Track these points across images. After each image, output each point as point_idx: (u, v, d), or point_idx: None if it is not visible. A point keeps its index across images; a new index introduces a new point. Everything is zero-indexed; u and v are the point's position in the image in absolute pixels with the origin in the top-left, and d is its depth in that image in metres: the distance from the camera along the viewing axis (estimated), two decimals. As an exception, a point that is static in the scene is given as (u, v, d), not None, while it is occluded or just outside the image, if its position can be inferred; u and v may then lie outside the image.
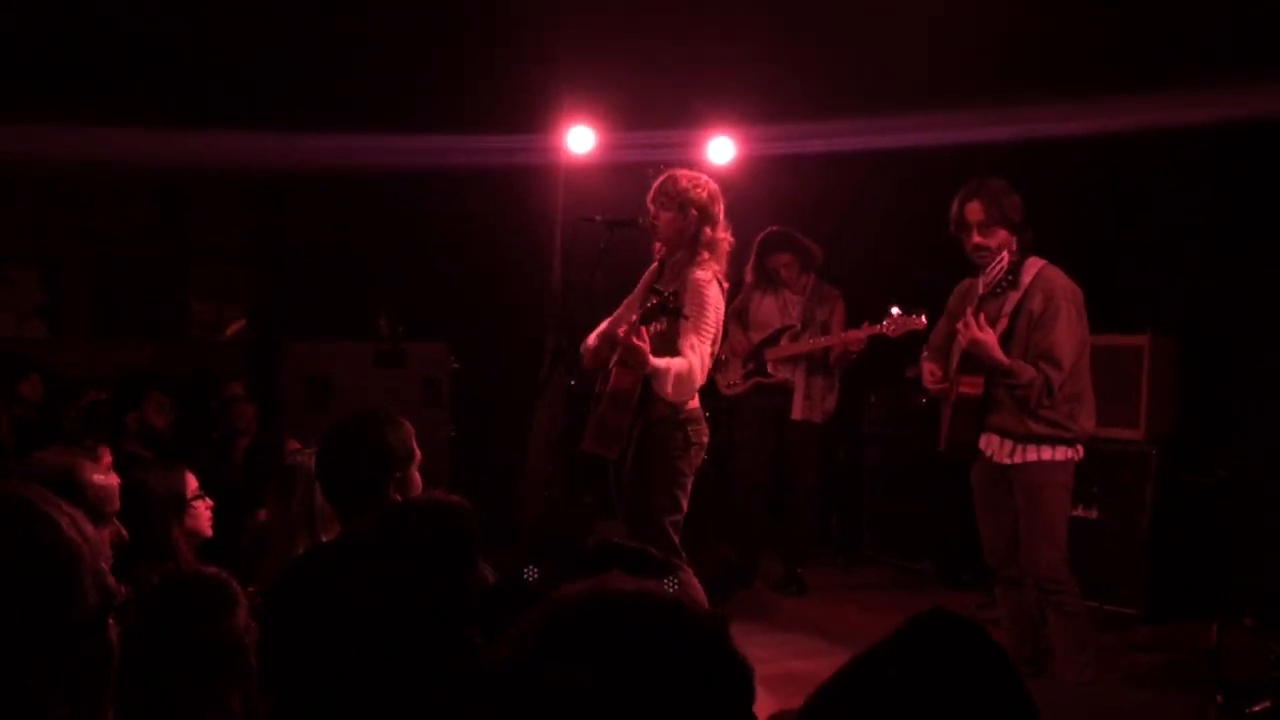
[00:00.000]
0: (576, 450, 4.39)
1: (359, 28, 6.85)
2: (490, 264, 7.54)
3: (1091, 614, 4.49)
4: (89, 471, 2.76)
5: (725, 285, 4.37)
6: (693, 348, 4.14)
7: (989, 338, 4.08)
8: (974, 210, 4.18)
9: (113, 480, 3.63)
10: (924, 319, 5.57)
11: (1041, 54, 5.83)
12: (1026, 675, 4.28)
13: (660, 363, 4.09)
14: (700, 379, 4.19)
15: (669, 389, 4.09)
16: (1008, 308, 4.15)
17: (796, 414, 6.15)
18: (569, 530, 6.18)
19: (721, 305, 4.29)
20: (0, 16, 6.31)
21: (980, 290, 4.28)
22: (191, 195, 8.37)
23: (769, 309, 6.21)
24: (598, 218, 4.88)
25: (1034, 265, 4.19)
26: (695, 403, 4.28)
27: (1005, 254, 4.16)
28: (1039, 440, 4.13)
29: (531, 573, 1.90)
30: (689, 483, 4.28)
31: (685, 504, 4.28)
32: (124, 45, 6.80)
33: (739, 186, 5.32)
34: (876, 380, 6.85)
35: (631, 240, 4.83)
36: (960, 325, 4.17)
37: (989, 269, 4.23)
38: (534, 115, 6.86)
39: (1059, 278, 4.18)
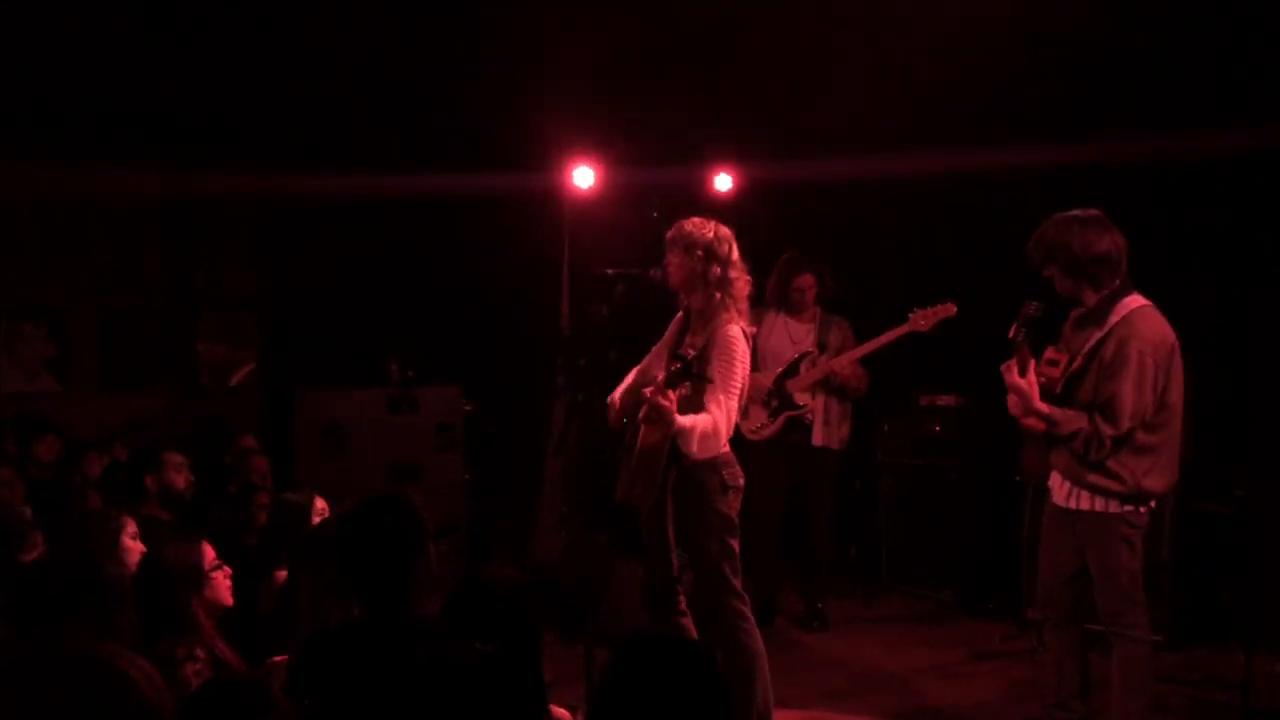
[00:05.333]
0: (610, 501, 4.35)
1: (366, 70, 6.88)
2: (500, 304, 7.54)
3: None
4: (109, 572, 2.86)
5: (752, 331, 4.34)
6: (719, 404, 4.10)
7: (1024, 385, 3.94)
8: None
9: (136, 549, 3.65)
10: (954, 306, 5.62)
11: (1027, 87, 5.89)
12: (1065, 715, 4.23)
13: (686, 422, 4.06)
14: (726, 434, 4.16)
15: (694, 448, 4.08)
16: (1086, 346, 3.95)
17: (817, 440, 6.10)
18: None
19: (749, 359, 4.26)
20: (5, 63, 6.35)
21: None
22: (200, 241, 8.38)
23: (779, 339, 6.14)
24: (609, 271, 4.86)
25: (1125, 307, 3.93)
26: (727, 447, 4.23)
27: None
28: (1092, 489, 3.93)
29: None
30: (735, 524, 4.24)
31: (737, 544, 4.25)
32: (130, 92, 6.83)
33: (740, 219, 5.33)
34: (890, 408, 6.83)
35: (641, 287, 4.83)
36: (1003, 368, 4.05)
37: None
38: (538, 154, 6.86)
39: (1145, 325, 3.90)
